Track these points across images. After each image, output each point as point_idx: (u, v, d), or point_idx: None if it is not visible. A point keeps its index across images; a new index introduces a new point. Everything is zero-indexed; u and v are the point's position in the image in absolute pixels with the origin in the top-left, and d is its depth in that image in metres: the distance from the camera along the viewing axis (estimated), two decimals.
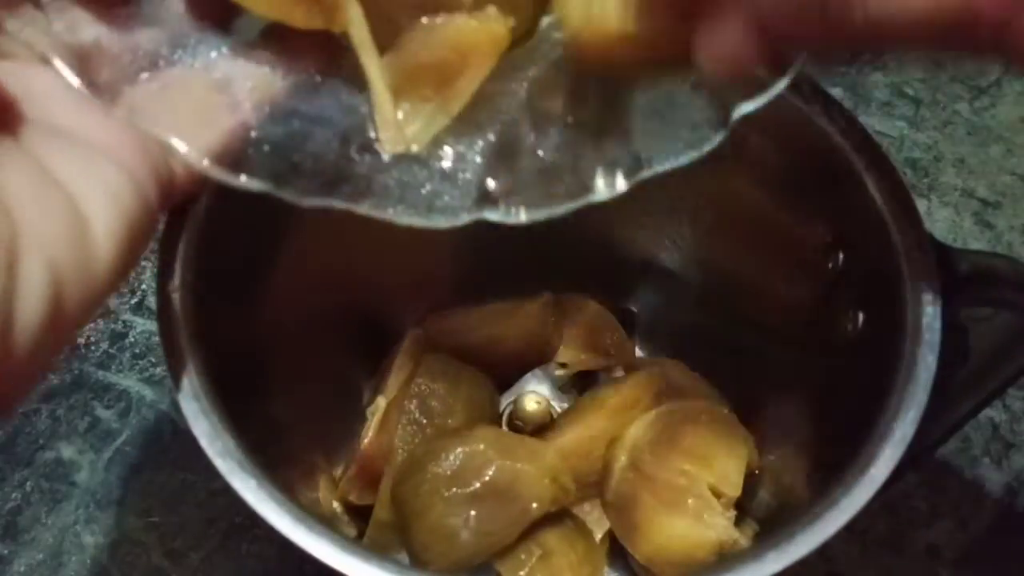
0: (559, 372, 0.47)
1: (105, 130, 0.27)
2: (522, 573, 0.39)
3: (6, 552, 0.44)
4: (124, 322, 0.52)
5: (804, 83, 0.36)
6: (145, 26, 0.29)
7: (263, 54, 0.30)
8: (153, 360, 0.50)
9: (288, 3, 0.28)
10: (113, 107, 0.28)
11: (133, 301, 0.52)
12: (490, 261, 0.44)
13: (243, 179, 0.28)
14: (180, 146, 0.28)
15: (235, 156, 0.29)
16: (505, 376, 0.47)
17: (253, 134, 0.29)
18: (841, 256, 0.38)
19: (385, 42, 0.30)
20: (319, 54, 0.30)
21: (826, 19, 0.24)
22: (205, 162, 0.28)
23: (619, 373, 0.47)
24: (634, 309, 0.49)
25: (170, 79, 0.29)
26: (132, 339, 0.51)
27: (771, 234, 0.41)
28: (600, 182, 0.30)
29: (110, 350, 0.51)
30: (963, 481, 0.47)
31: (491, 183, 0.30)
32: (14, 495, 0.46)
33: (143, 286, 0.53)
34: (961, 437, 0.48)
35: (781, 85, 0.30)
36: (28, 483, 0.46)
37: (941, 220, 0.56)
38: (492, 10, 0.29)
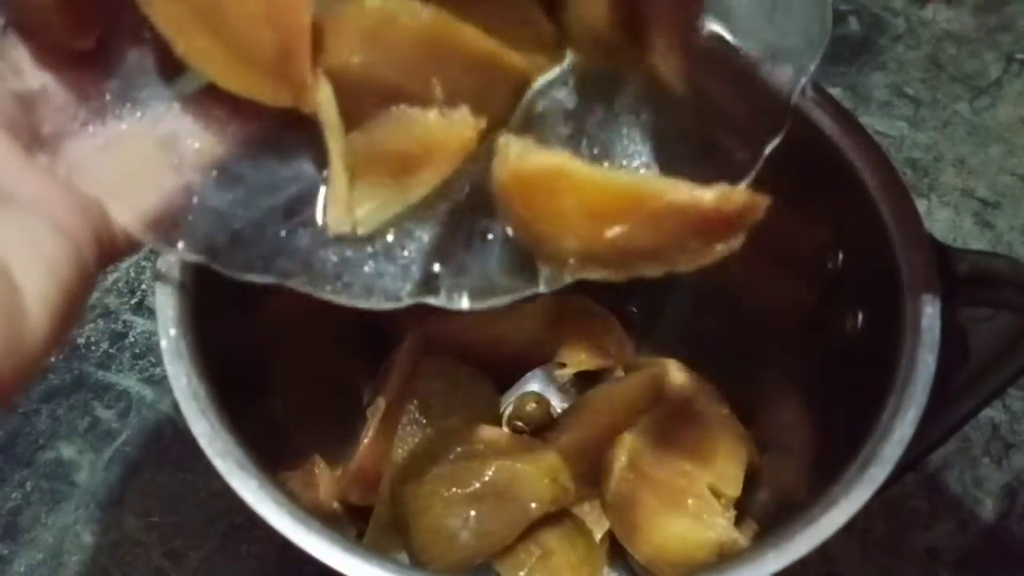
0: (559, 372, 0.47)
1: (43, 187, 0.26)
2: (522, 573, 0.39)
3: (6, 552, 0.44)
4: (124, 322, 0.52)
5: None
6: (96, 75, 0.29)
7: (214, 112, 0.29)
8: (153, 360, 0.50)
9: (257, 80, 0.27)
10: (54, 163, 0.27)
11: (133, 301, 0.52)
12: None
13: (179, 248, 0.28)
14: (118, 213, 0.27)
15: (174, 221, 0.28)
16: (505, 376, 0.47)
17: (195, 199, 0.28)
18: (841, 256, 0.38)
19: (350, 123, 0.29)
20: (272, 114, 0.29)
21: None
22: (142, 230, 0.27)
23: (619, 373, 0.47)
24: (634, 309, 0.49)
25: (115, 134, 0.28)
26: (132, 339, 0.51)
27: (771, 234, 0.41)
28: (544, 276, 0.29)
29: (110, 350, 0.51)
30: (963, 481, 0.47)
31: (436, 267, 0.29)
32: (14, 495, 0.46)
33: (143, 286, 0.53)
34: (961, 437, 0.48)
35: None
36: (28, 483, 0.46)
37: (941, 220, 0.56)
38: (464, 112, 0.28)
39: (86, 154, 0.28)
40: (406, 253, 0.30)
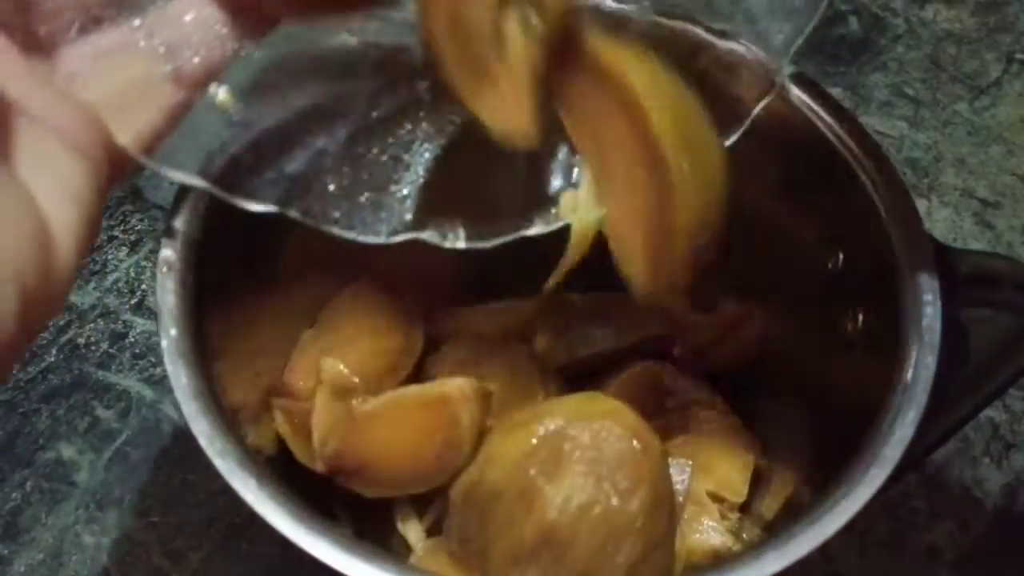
0: None
1: (53, 101, 0.24)
2: None
3: (6, 552, 0.44)
4: (124, 322, 0.52)
5: (804, 83, 0.36)
6: None
7: (215, 25, 0.27)
8: (153, 360, 0.50)
9: None
10: (51, 72, 0.26)
11: (133, 301, 0.52)
12: (492, 260, 0.44)
13: (180, 172, 0.27)
14: (118, 130, 0.26)
15: (173, 140, 0.27)
16: None
17: (193, 119, 0.27)
18: (841, 256, 0.38)
19: None
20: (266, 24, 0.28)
21: None
22: (142, 151, 0.26)
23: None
24: None
25: (111, 43, 0.27)
26: (132, 339, 0.51)
27: (771, 234, 0.41)
28: (539, 219, 0.30)
29: (110, 350, 0.51)
30: (963, 481, 0.47)
31: (430, 203, 0.30)
32: (14, 495, 0.46)
33: (143, 286, 0.53)
34: (961, 437, 0.48)
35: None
36: (28, 483, 0.46)
37: (941, 220, 0.56)
38: None
39: (82, 64, 0.26)
40: (404, 189, 0.30)
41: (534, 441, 0.32)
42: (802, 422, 0.40)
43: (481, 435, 0.36)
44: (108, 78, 0.26)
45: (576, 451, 0.31)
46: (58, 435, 0.48)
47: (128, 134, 0.26)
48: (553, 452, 0.31)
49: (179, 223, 0.33)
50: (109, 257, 0.54)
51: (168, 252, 0.32)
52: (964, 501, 0.47)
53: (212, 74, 0.28)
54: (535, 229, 0.30)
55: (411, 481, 0.36)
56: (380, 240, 0.29)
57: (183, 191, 0.33)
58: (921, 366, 0.31)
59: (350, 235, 0.29)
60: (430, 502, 0.38)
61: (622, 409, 0.33)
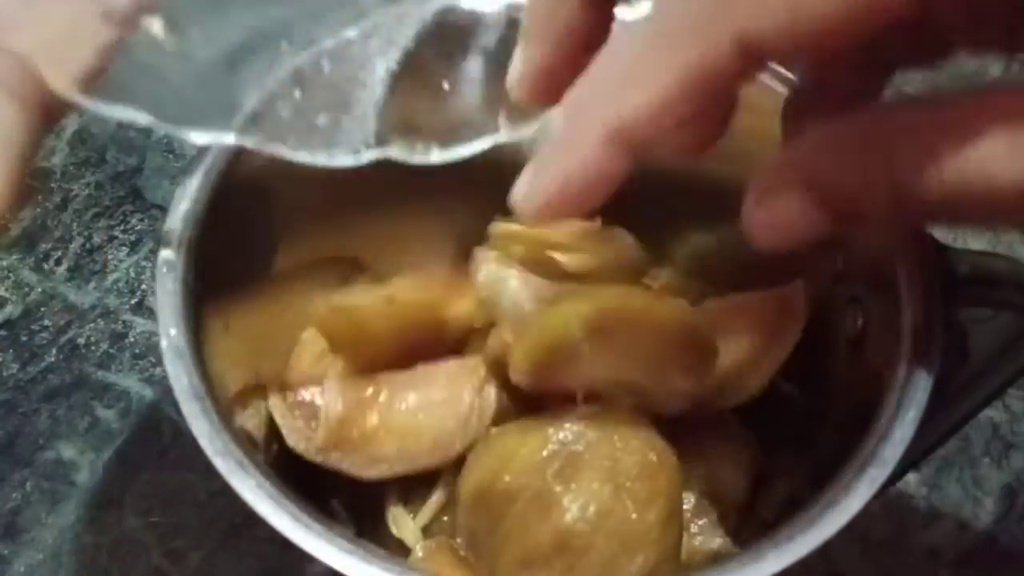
0: None
1: None
2: None
3: (6, 552, 0.44)
4: (124, 322, 0.52)
5: None
6: None
7: None
8: (153, 360, 0.50)
9: None
10: None
11: (133, 301, 0.52)
12: None
13: (119, 109, 0.26)
14: (51, 76, 0.25)
15: (111, 79, 0.26)
16: None
17: (129, 54, 0.26)
18: (841, 256, 0.38)
19: None
20: None
21: (897, 195, 0.22)
22: (79, 93, 0.25)
23: None
24: None
25: None
26: (132, 339, 0.51)
27: None
28: (507, 126, 0.28)
29: (110, 350, 0.51)
30: (963, 481, 0.47)
31: (393, 119, 0.28)
32: (14, 495, 0.46)
33: (143, 286, 0.53)
34: (961, 437, 0.48)
35: None
36: (28, 483, 0.46)
37: None
38: None
39: (9, 9, 0.26)
40: (363, 108, 0.28)
41: (551, 445, 0.32)
42: (802, 422, 0.40)
43: (495, 420, 0.36)
44: (37, 23, 0.26)
45: (594, 459, 0.31)
46: (58, 435, 0.48)
47: (63, 79, 0.25)
48: (571, 458, 0.31)
49: (178, 222, 0.33)
50: (109, 257, 0.54)
51: (168, 252, 0.32)
52: (964, 501, 0.47)
53: (143, 8, 0.27)
54: (503, 134, 0.28)
55: (419, 454, 0.35)
56: (347, 163, 0.27)
57: (182, 191, 0.33)
58: (921, 366, 0.31)
59: (313, 160, 0.27)
60: (423, 501, 0.38)
61: (638, 420, 0.33)
